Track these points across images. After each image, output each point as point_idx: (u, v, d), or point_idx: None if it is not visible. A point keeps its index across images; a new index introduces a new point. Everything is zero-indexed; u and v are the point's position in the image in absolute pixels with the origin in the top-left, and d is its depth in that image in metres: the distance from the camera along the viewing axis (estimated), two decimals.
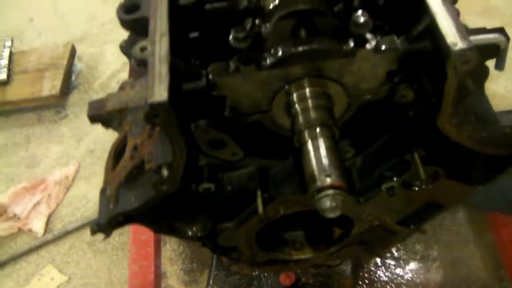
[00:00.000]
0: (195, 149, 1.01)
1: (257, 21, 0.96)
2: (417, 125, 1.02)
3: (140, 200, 1.02)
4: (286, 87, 0.96)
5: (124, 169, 1.04)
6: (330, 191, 0.87)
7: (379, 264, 2.03)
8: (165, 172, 0.95)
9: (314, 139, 0.92)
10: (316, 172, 0.88)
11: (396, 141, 1.06)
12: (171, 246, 2.15)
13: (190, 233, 1.17)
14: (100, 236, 1.50)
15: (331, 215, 0.89)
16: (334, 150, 0.92)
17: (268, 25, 0.94)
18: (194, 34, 1.03)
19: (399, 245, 2.06)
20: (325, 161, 0.89)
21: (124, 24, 1.04)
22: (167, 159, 0.94)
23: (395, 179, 1.08)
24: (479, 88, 0.98)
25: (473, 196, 1.35)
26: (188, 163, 0.98)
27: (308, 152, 0.92)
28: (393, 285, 1.99)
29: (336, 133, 0.94)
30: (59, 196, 2.40)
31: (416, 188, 1.09)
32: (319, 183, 0.87)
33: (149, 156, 0.98)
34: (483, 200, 1.55)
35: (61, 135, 2.68)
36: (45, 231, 2.32)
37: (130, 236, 2.12)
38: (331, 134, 0.93)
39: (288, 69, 0.93)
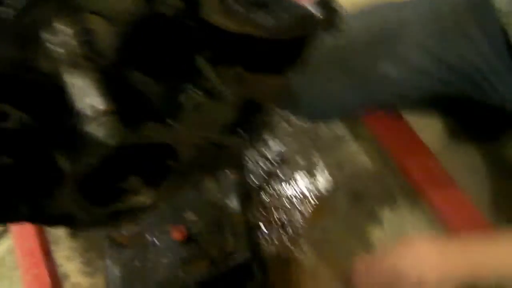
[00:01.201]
0: None
1: None
2: (195, 28, 0.95)
3: None
4: (40, 32, 0.88)
5: None
6: (102, 118, 0.80)
7: (268, 189, 2.00)
8: None
9: (75, 73, 0.85)
10: (83, 102, 0.82)
11: (183, 52, 0.99)
12: (65, 244, 2.08)
13: (14, 217, 1.08)
14: None
15: (111, 143, 0.83)
16: (98, 79, 0.85)
17: None
18: None
19: (282, 166, 2.03)
20: (87, 91, 0.83)
21: None
22: None
23: (196, 91, 1.02)
24: None
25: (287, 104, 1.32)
26: None
27: (72, 85, 0.85)
28: (285, 203, 1.97)
29: (100, 62, 0.87)
30: None
31: (224, 93, 1.03)
32: (88, 112, 0.80)
33: None
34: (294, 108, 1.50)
35: None
36: None
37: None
38: (95, 66, 0.87)
39: (33, 15, 0.85)
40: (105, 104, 0.82)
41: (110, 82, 0.87)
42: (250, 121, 1.18)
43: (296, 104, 1.43)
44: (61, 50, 0.86)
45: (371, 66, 1.33)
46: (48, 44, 0.86)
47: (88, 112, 0.82)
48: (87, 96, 0.83)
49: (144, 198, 1.20)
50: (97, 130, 0.81)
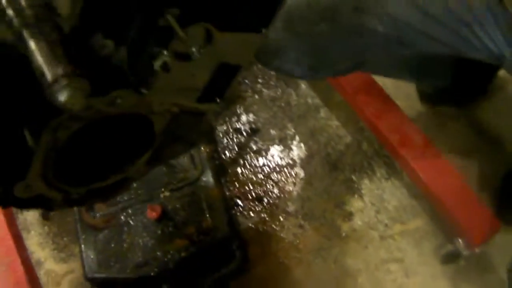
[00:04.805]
0: None
1: None
2: None
3: None
4: None
5: None
6: (64, 81, 0.75)
7: (242, 163, 1.96)
8: None
9: (33, 37, 0.80)
10: (44, 67, 0.76)
11: (145, 11, 0.93)
12: (36, 231, 2.01)
13: None
14: None
15: (75, 106, 0.78)
16: (58, 42, 0.80)
17: None
18: None
19: (255, 139, 2.00)
20: (51, 54, 0.77)
21: None
22: None
23: (164, 53, 0.96)
24: None
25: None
26: None
27: (32, 52, 0.79)
28: (262, 176, 1.94)
29: (62, 26, 0.82)
30: None
31: (196, 55, 0.98)
32: (49, 76, 0.75)
33: None
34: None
35: None
36: None
37: None
38: (53, 28, 0.81)
39: None
40: (65, 66, 0.76)
41: (71, 47, 0.81)
42: (225, 87, 1.13)
43: (283, 60, 1.40)
44: (21, 17, 0.80)
45: (358, 21, 1.30)
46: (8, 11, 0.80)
47: (49, 76, 0.76)
48: (48, 61, 0.77)
49: (117, 176, 1.15)
50: (59, 93, 0.76)
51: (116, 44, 0.94)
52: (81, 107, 0.78)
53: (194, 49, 0.98)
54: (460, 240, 1.61)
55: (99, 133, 1.04)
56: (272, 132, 1.98)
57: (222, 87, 1.13)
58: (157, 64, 0.96)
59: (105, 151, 1.16)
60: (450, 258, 1.70)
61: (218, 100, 1.15)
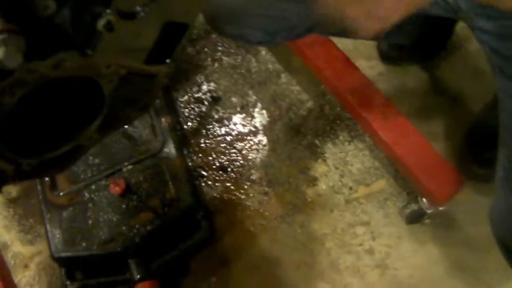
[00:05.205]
0: None
1: None
2: None
3: None
4: None
5: None
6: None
7: (204, 132, 1.95)
8: None
9: None
10: None
11: None
12: (1, 214, 1.98)
13: None
14: None
15: (10, 62, 0.75)
16: None
17: None
18: None
19: (217, 108, 1.99)
20: None
21: None
22: None
23: (108, 11, 0.94)
24: None
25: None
26: None
27: None
28: (225, 145, 1.94)
29: None
30: None
31: (140, 14, 0.95)
32: None
33: None
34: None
35: None
36: None
37: None
38: None
39: None
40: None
41: (11, 8, 0.79)
42: (173, 47, 1.11)
43: (240, 25, 1.38)
44: None
45: None
46: None
47: None
48: None
49: (67, 147, 1.13)
50: None
51: (58, 5, 0.92)
52: (17, 64, 0.76)
53: (138, 7, 0.95)
54: (423, 199, 1.61)
55: (48, 99, 1.02)
56: (234, 100, 1.97)
57: (171, 48, 1.11)
58: (100, 24, 0.93)
59: (55, 117, 1.13)
60: (415, 217, 1.71)
61: (168, 62, 1.12)
